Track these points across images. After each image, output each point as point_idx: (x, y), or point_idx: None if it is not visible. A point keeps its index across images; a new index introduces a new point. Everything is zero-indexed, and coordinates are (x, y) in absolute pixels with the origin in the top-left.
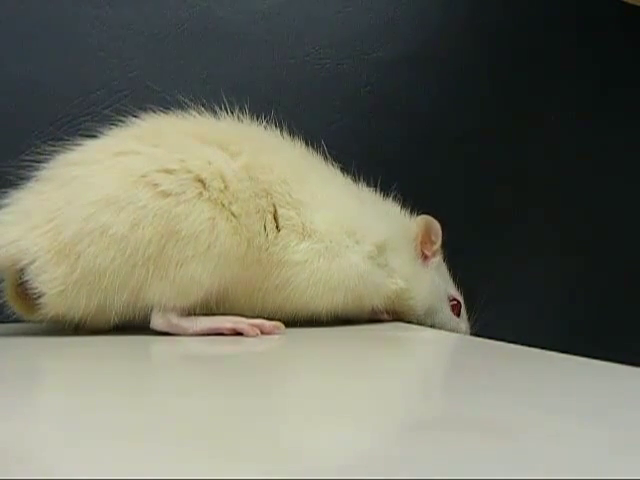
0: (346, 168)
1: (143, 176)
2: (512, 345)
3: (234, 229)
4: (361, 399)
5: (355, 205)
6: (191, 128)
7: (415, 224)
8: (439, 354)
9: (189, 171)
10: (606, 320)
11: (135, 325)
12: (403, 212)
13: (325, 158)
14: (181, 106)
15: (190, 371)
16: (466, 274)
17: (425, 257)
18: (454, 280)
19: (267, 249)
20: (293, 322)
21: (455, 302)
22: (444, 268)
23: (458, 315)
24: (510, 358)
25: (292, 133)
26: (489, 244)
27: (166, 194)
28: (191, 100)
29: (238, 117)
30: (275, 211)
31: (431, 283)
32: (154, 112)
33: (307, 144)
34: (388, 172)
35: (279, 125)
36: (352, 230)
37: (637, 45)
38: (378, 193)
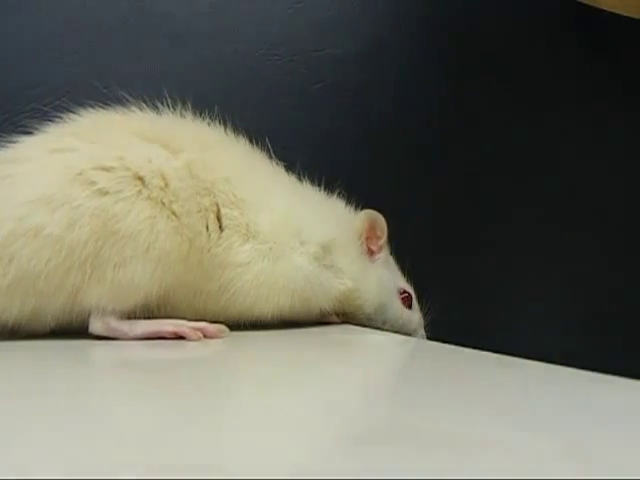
0: (295, 167)
1: (79, 174)
2: (466, 349)
3: (175, 229)
4: (301, 409)
5: (300, 205)
6: (131, 125)
7: (359, 220)
8: (386, 359)
9: (128, 169)
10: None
11: (73, 329)
12: (349, 210)
13: (270, 156)
14: (124, 103)
15: (128, 377)
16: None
17: (371, 253)
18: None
19: (210, 250)
20: (238, 325)
21: (406, 294)
22: (392, 261)
23: (409, 307)
24: (461, 363)
25: (239, 131)
26: (442, 244)
27: (103, 192)
28: (134, 97)
29: (181, 114)
30: (218, 210)
31: (379, 279)
32: (94, 109)
33: (255, 142)
34: (339, 171)
35: (225, 123)
36: (297, 230)
37: (589, 44)
38: (324, 192)
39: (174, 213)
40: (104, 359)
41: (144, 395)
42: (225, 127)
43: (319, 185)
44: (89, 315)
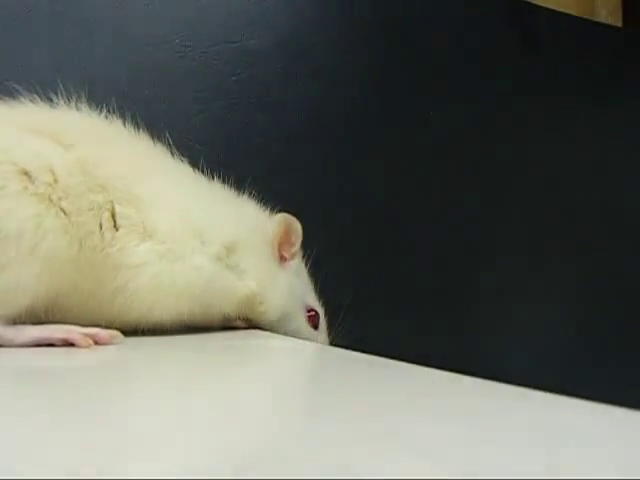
0: (207, 163)
1: None
2: (375, 357)
3: (64, 228)
4: (187, 426)
5: (203, 203)
6: (20, 118)
7: (273, 223)
8: (289, 367)
9: (13, 163)
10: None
11: None
12: (261, 210)
13: (173, 152)
14: (28, 95)
15: (12, 386)
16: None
17: (284, 259)
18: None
19: (103, 250)
20: (136, 332)
21: (313, 313)
22: (304, 273)
23: (315, 327)
24: (367, 371)
25: (148, 125)
26: (361, 244)
27: None
28: (35, 89)
29: (77, 107)
30: (113, 209)
31: (287, 287)
32: None
33: (166, 138)
34: (254, 168)
35: (126, 116)
36: (198, 230)
37: (524, 40)
38: (234, 190)
39: (63, 211)
40: None
41: (28, 406)
42: (124, 121)
43: (232, 183)
44: None
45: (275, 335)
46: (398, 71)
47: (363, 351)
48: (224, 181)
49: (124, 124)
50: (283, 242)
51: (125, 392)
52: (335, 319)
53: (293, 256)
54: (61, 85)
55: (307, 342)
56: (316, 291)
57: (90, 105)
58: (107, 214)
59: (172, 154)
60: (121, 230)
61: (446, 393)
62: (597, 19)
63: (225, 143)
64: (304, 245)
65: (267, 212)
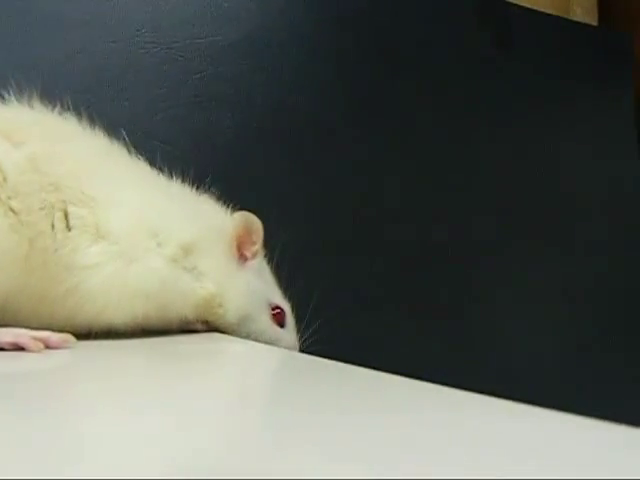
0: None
1: None
2: (341, 364)
3: (12, 227)
4: (137, 430)
5: (160, 203)
6: None
7: (232, 222)
8: (246, 374)
9: None
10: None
11: None
12: (222, 210)
13: (130, 150)
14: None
15: None
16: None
17: (244, 259)
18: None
19: (56, 251)
20: (90, 335)
21: (278, 311)
22: (267, 272)
23: (282, 326)
24: (325, 379)
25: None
26: (329, 244)
27: None
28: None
29: (29, 104)
30: (65, 209)
31: (247, 288)
32: None
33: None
34: (221, 166)
35: (98, 114)
36: (154, 231)
37: (494, 36)
38: (195, 189)
39: (12, 210)
40: None
41: None
42: (84, 119)
43: (196, 182)
44: None
45: (233, 338)
46: (367, 68)
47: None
48: (188, 180)
49: (80, 122)
50: (244, 241)
51: (75, 397)
52: (304, 318)
53: (254, 255)
54: (15, 83)
55: (265, 346)
56: (283, 289)
57: (51, 102)
58: (59, 214)
59: (130, 152)
60: (74, 230)
61: (395, 396)
62: (572, 17)
63: (190, 141)
64: (270, 243)
65: (228, 211)
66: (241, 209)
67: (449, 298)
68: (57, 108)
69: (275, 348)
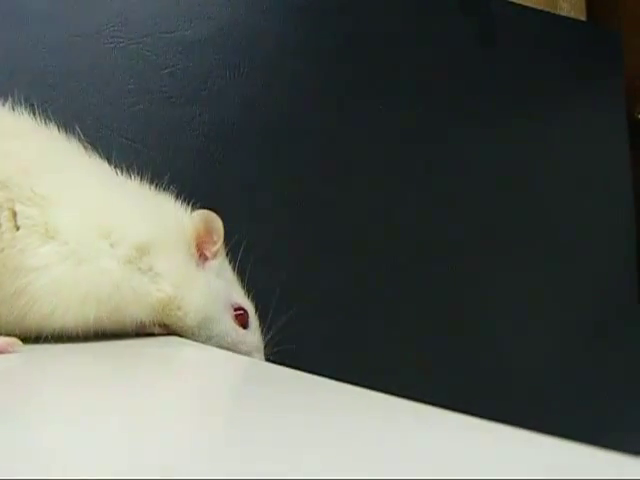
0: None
1: None
2: (285, 368)
3: None
4: (83, 440)
5: (114, 202)
6: None
7: (191, 221)
8: (201, 379)
9: None
10: None
11: None
12: (182, 209)
13: (85, 147)
14: None
15: None
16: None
17: (205, 258)
18: None
19: (3, 251)
20: (40, 340)
21: (241, 312)
22: (229, 272)
23: (244, 326)
24: (272, 382)
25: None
26: (297, 243)
27: None
28: None
29: None
30: (13, 207)
31: (207, 289)
32: None
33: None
34: (189, 164)
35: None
36: (107, 231)
37: (478, 31)
38: (152, 188)
39: None
40: None
41: None
42: (39, 114)
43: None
44: None
45: (190, 342)
46: (344, 63)
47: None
48: (151, 178)
49: (34, 118)
50: (204, 241)
51: (22, 404)
52: (268, 320)
53: (215, 255)
54: None
55: (222, 351)
56: (246, 290)
57: (11, 98)
58: (7, 213)
59: (86, 150)
60: (22, 230)
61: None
62: (560, 13)
63: (158, 139)
64: (237, 241)
65: (188, 210)
66: (210, 208)
67: (431, 300)
68: (8, 104)
69: (232, 354)
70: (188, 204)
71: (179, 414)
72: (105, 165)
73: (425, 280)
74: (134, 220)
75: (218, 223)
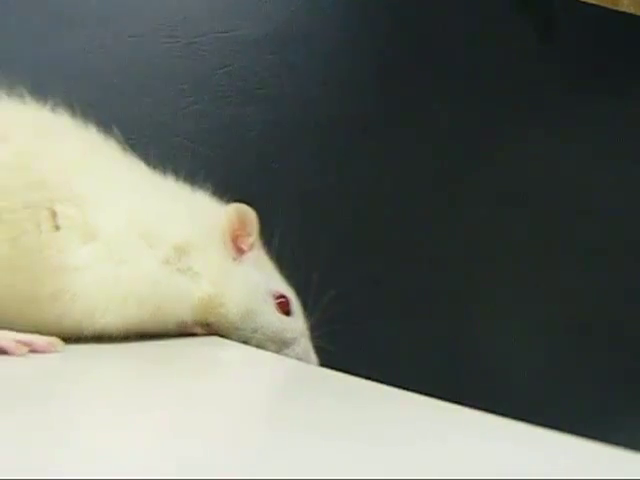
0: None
1: None
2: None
3: None
4: (124, 440)
5: (152, 202)
6: None
7: (224, 215)
8: (244, 379)
9: None
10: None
11: None
12: (218, 206)
13: (124, 148)
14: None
15: None
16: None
17: (242, 252)
18: None
19: (41, 251)
20: (79, 339)
21: (283, 299)
22: (267, 262)
23: (288, 314)
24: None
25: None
26: (362, 244)
27: None
28: (19, 83)
29: (21, 100)
30: (53, 208)
31: (246, 282)
32: None
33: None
34: (246, 162)
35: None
36: (146, 232)
37: (539, 29)
38: (189, 186)
39: None
40: None
41: None
42: (76, 114)
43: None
44: None
45: (232, 343)
46: (404, 62)
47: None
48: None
49: (74, 118)
50: (239, 234)
51: (62, 405)
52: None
53: (251, 247)
54: (30, 81)
55: (261, 351)
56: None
57: (69, 100)
58: (46, 213)
59: (125, 150)
60: (61, 230)
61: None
62: (619, 8)
63: (214, 138)
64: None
65: (224, 207)
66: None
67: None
68: (50, 104)
69: (271, 354)
70: (243, 203)
71: (222, 414)
72: (143, 165)
73: (486, 284)
74: (172, 221)
75: (251, 215)
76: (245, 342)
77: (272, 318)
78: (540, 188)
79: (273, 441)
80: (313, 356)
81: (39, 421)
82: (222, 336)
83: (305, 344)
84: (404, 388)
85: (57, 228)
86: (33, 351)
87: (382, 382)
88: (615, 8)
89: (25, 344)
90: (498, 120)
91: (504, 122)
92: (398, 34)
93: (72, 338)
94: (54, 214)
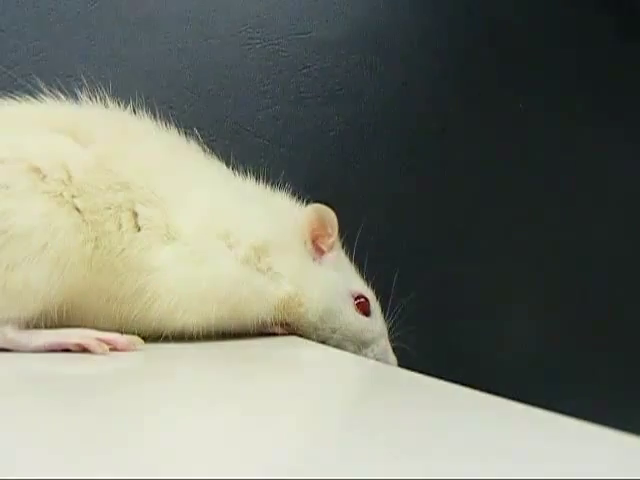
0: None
1: None
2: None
3: (76, 226)
4: (204, 440)
5: (232, 203)
6: (38, 114)
7: (304, 216)
8: (322, 379)
9: (22, 159)
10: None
11: None
12: (297, 206)
13: (203, 149)
14: (92, 93)
15: (25, 394)
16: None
17: (321, 252)
18: None
19: (122, 251)
20: (161, 338)
21: (362, 300)
22: (346, 262)
23: (367, 314)
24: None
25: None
26: (442, 244)
27: None
28: (101, 84)
29: (104, 103)
30: (134, 208)
31: (326, 283)
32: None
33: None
34: (327, 164)
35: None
36: (225, 232)
37: (622, 27)
38: (268, 186)
39: (77, 209)
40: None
41: (40, 414)
42: (155, 118)
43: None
44: None
45: (311, 343)
46: (485, 62)
47: None
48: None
49: (155, 120)
50: (319, 234)
51: (142, 404)
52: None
53: (331, 247)
54: (111, 81)
55: (341, 353)
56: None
57: (152, 102)
58: (128, 214)
59: (204, 151)
60: (143, 231)
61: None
62: None
63: (294, 139)
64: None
65: (303, 207)
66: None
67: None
68: (131, 106)
69: (349, 354)
70: (323, 204)
71: (301, 415)
72: (224, 166)
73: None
74: (251, 221)
75: (331, 215)
76: (324, 342)
77: (351, 318)
78: (629, 188)
79: (352, 442)
80: (392, 356)
81: (119, 420)
82: (301, 336)
83: (384, 344)
84: (480, 389)
85: (138, 228)
86: (114, 349)
87: (461, 383)
88: None
89: (106, 342)
90: (578, 120)
91: (584, 123)
92: (477, 34)
93: (152, 337)
94: (135, 215)
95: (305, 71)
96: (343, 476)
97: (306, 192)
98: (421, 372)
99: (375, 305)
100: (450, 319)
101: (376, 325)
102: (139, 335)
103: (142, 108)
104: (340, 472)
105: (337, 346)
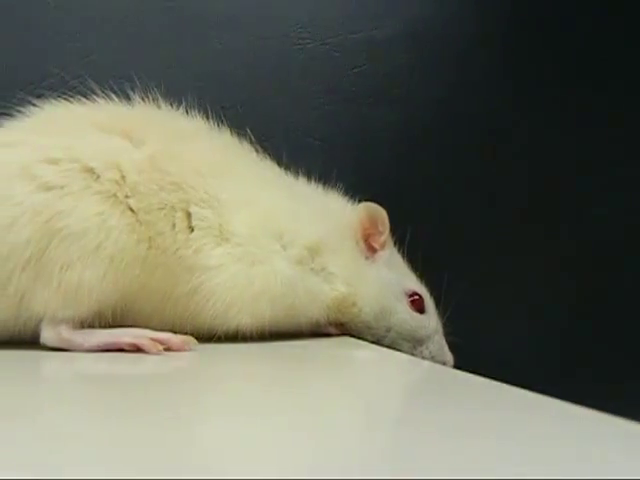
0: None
1: (24, 168)
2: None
3: (130, 226)
4: (261, 441)
5: (285, 204)
6: (90, 115)
7: (355, 215)
8: (376, 380)
9: (76, 160)
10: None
11: (25, 339)
12: (349, 206)
13: (256, 149)
14: (145, 93)
15: (80, 393)
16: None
17: (373, 250)
18: None
19: (176, 251)
20: (212, 338)
21: (416, 297)
22: (399, 260)
23: (421, 311)
24: (465, 393)
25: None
26: (489, 245)
27: (48, 187)
28: (154, 86)
29: (156, 104)
30: (187, 209)
31: (379, 281)
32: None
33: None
34: (377, 164)
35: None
36: (278, 232)
37: None
38: (320, 187)
39: (130, 209)
40: (55, 373)
41: (96, 413)
42: (208, 118)
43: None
44: (40, 324)
45: (364, 344)
46: (539, 62)
47: None
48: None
49: (208, 120)
50: (371, 233)
51: (196, 404)
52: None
53: (383, 246)
54: (164, 83)
55: (395, 353)
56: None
57: (204, 102)
58: (181, 214)
59: (257, 152)
60: (196, 231)
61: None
62: None
63: (346, 139)
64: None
65: (355, 207)
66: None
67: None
68: (184, 107)
69: (402, 354)
70: (374, 203)
71: (356, 415)
72: (276, 167)
73: None
74: (304, 222)
75: (382, 213)
76: (378, 341)
77: (405, 316)
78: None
79: (407, 442)
80: (448, 353)
81: (173, 420)
82: (355, 336)
83: (439, 341)
84: (530, 388)
85: (192, 229)
86: (168, 349)
87: (513, 383)
88: None
89: (160, 342)
90: (626, 120)
91: (636, 122)
92: (529, 34)
93: (206, 337)
94: (189, 215)
95: (357, 71)
96: (395, 476)
97: (358, 191)
98: (471, 371)
99: (429, 302)
100: (499, 318)
101: (430, 322)
102: (192, 335)
103: (194, 108)
104: (392, 472)
105: (391, 345)
